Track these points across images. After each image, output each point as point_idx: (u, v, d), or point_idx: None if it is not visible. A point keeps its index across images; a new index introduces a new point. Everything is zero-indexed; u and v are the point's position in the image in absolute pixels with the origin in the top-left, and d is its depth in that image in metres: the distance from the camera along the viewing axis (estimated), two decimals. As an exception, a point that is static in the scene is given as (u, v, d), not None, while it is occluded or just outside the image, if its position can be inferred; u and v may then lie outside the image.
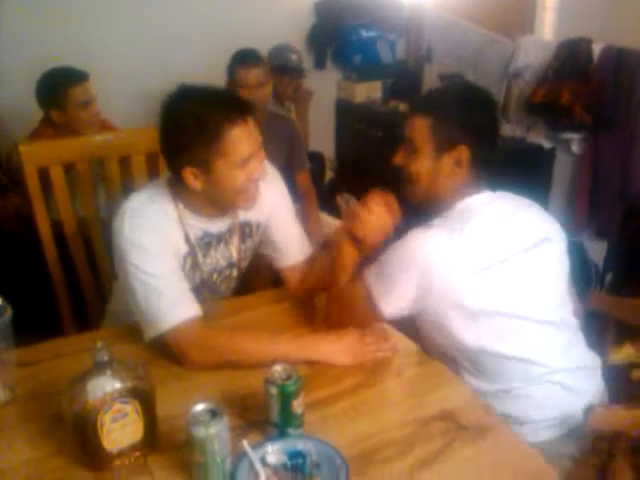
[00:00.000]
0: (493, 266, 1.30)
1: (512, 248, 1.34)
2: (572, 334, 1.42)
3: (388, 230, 1.41)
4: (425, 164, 1.37)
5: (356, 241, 1.43)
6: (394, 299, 1.33)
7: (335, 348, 1.36)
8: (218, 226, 1.51)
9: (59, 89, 2.39)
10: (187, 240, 1.47)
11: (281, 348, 1.34)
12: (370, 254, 1.45)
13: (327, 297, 1.48)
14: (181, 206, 1.44)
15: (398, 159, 1.43)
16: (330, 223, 2.73)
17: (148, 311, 1.35)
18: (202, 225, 1.48)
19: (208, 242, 1.52)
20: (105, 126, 2.57)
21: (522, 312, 1.34)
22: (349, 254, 1.44)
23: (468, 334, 1.33)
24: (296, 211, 2.68)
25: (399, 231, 1.38)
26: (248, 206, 1.46)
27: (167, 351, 1.36)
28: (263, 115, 2.65)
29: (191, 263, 1.50)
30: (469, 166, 1.36)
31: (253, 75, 2.61)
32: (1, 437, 1.16)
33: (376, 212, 1.41)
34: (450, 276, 1.28)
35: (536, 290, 1.37)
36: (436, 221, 1.35)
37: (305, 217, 2.66)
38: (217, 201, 1.43)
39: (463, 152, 1.34)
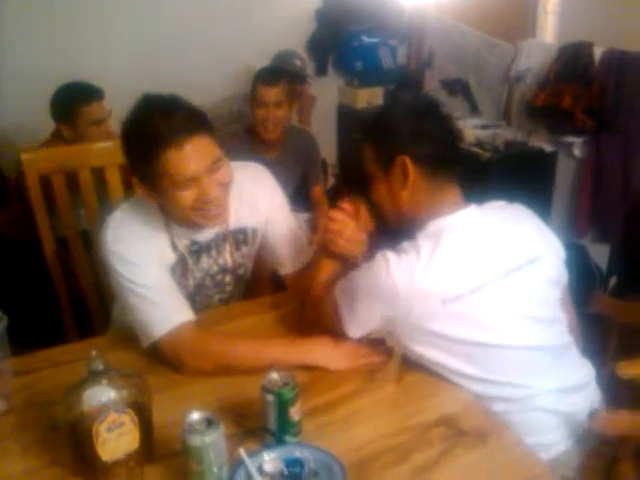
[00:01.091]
0: (463, 297, 1.21)
1: (489, 274, 1.24)
2: (558, 354, 1.33)
3: (355, 236, 1.40)
4: (381, 189, 1.34)
5: (329, 252, 1.42)
6: (359, 324, 1.30)
7: (330, 352, 1.35)
8: (205, 235, 1.50)
9: (71, 106, 2.38)
10: (174, 248, 1.46)
11: (277, 352, 1.34)
12: (350, 263, 1.42)
13: (303, 306, 1.46)
14: (166, 215, 1.43)
15: (372, 197, 1.39)
16: None
17: (141, 320, 1.35)
18: (188, 234, 1.47)
19: (197, 250, 1.51)
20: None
21: (496, 341, 1.25)
22: (324, 265, 1.43)
23: (439, 358, 1.28)
24: (309, 220, 2.75)
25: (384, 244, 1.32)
26: (209, 224, 1.43)
27: (163, 359, 1.35)
28: (281, 132, 2.70)
29: (181, 270, 1.49)
30: (420, 173, 1.28)
31: (272, 94, 2.64)
32: (-4, 447, 1.15)
33: (338, 220, 1.39)
34: (413, 306, 1.22)
35: (515, 316, 1.27)
36: (406, 244, 1.26)
37: (317, 226, 2.69)
38: (179, 217, 1.40)
39: (404, 161, 1.28)
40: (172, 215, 1.42)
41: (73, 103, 2.38)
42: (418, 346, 1.29)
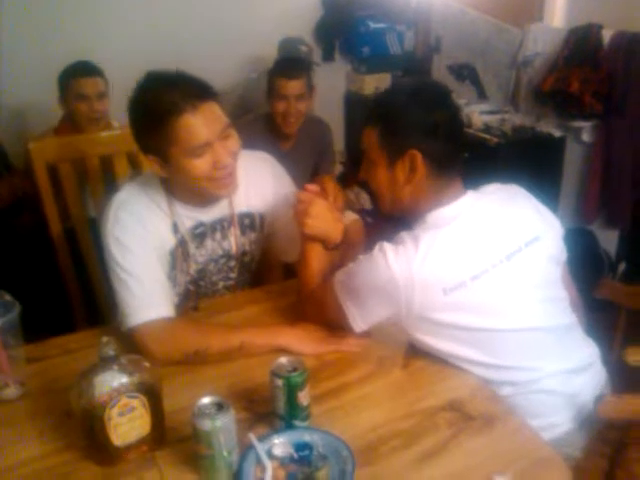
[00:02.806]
0: (465, 285, 1.20)
1: (490, 259, 1.23)
2: (563, 334, 1.34)
3: (324, 213, 1.39)
4: (382, 176, 1.30)
5: (305, 235, 1.42)
6: (363, 318, 1.29)
7: (297, 335, 1.36)
8: (210, 215, 1.51)
9: (64, 79, 2.46)
10: (175, 231, 1.47)
11: (245, 335, 1.35)
12: (336, 245, 1.43)
13: (299, 298, 1.46)
14: (170, 195, 1.45)
15: (362, 174, 1.37)
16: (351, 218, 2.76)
17: (120, 305, 1.37)
18: (192, 214, 1.49)
19: (202, 232, 1.52)
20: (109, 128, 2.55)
21: (502, 325, 1.26)
22: (309, 251, 1.43)
23: (445, 347, 1.28)
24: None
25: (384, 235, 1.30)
26: (223, 194, 1.44)
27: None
28: (299, 125, 2.66)
29: (182, 254, 1.50)
30: (428, 169, 1.26)
31: (293, 87, 2.58)
32: (12, 432, 1.17)
33: (304, 199, 1.40)
34: (415, 297, 1.20)
35: (520, 299, 1.27)
36: (404, 235, 1.25)
37: None
38: (191, 189, 1.42)
39: (415, 156, 1.24)
40: (179, 192, 1.44)
41: (66, 76, 2.47)
42: (424, 335, 1.29)
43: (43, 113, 2.72)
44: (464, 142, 1.35)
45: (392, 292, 1.22)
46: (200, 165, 1.33)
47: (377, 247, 1.25)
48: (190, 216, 1.49)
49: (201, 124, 1.30)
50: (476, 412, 1.19)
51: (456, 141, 1.30)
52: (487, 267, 1.23)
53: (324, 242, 1.43)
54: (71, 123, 2.49)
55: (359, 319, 1.30)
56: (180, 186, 1.43)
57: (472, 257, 1.23)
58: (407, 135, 1.26)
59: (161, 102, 1.28)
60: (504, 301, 1.26)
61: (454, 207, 1.28)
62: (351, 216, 1.65)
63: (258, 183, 1.56)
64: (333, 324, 1.37)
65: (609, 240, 3.11)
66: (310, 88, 2.70)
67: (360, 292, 1.27)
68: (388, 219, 1.45)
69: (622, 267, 3.06)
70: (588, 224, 3.16)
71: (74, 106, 2.45)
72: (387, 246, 1.23)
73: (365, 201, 3.53)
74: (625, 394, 1.29)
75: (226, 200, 1.52)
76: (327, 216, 1.40)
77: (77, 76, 2.44)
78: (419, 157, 1.25)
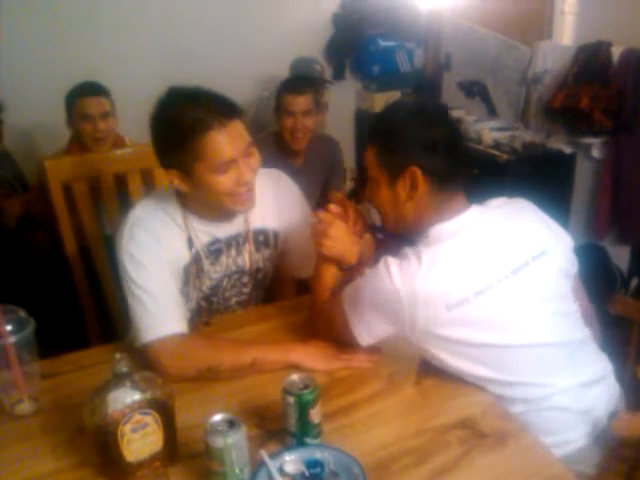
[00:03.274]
0: (468, 301, 1.19)
1: (495, 274, 1.22)
2: (575, 349, 1.32)
3: (341, 236, 1.40)
4: (384, 194, 1.31)
5: (321, 255, 1.42)
6: (369, 332, 1.29)
7: (309, 352, 1.37)
8: (226, 231, 1.53)
9: (70, 99, 2.49)
10: (190, 246, 1.49)
11: (257, 351, 1.36)
12: (351, 266, 1.43)
13: (311, 313, 1.47)
14: (186, 210, 1.47)
15: (367, 194, 1.38)
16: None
17: (134, 321, 1.38)
18: (208, 229, 1.50)
19: (217, 249, 1.53)
20: (117, 144, 2.56)
21: (510, 341, 1.24)
22: (324, 269, 1.43)
23: (454, 362, 1.27)
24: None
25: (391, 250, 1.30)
26: (243, 210, 1.46)
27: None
28: (307, 141, 2.69)
29: (196, 271, 1.51)
30: (429, 185, 1.26)
31: (300, 103, 2.63)
32: (26, 447, 1.18)
33: (325, 220, 1.41)
34: (419, 313, 1.20)
35: (529, 313, 1.26)
36: (408, 251, 1.25)
37: None
38: (210, 204, 1.43)
39: (415, 173, 1.24)
40: (195, 206, 1.46)
41: (71, 96, 2.49)
42: (436, 350, 1.29)
43: (51, 132, 2.75)
44: (464, 156, 1.35)
45: (396, 307, 1.22)
46: (224, 181, 1.35)
47: (382, 261, 1.26)
48: (206, 231, 1.50)
49: (227, 141, 1.32)
50: (488, 430, 1.18)
51: (456, 155, 1.30)
52: (492, 282, 1.22)
53: (339, 262, 1.43)
54: (79, 144, 2.51)
55: (364, 333, 1.30)
56: (198, 200, 1.44)
57: (476, 272, 1.22)
58: (405, 152, 1.27)
59: (186, 117, 1.30)
60: (512, 316, 1.25)
61: (456, 221, 1.27)
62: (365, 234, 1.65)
63: (273, 200, 1.58)
64: (342, 339, 1.37)
65: (621, 256, 3.09)
66: (317, 105, 2.74)
67: (365, 306, 1.28)
68: (398, 235, 1.46)
69: (634, 283, 3.04)
70: (599, 240, 3.15)
71: (79, 126, 2.47)
72: (391, 261, 1.24)
73: (375, 217, 3.53)
74: (639, 412, 1.29)
75: (242, 216, 1.54)
76: (345, 239, 1.41)
77: (81, 96, 2.46)
78: (419, 173, 1.25)
